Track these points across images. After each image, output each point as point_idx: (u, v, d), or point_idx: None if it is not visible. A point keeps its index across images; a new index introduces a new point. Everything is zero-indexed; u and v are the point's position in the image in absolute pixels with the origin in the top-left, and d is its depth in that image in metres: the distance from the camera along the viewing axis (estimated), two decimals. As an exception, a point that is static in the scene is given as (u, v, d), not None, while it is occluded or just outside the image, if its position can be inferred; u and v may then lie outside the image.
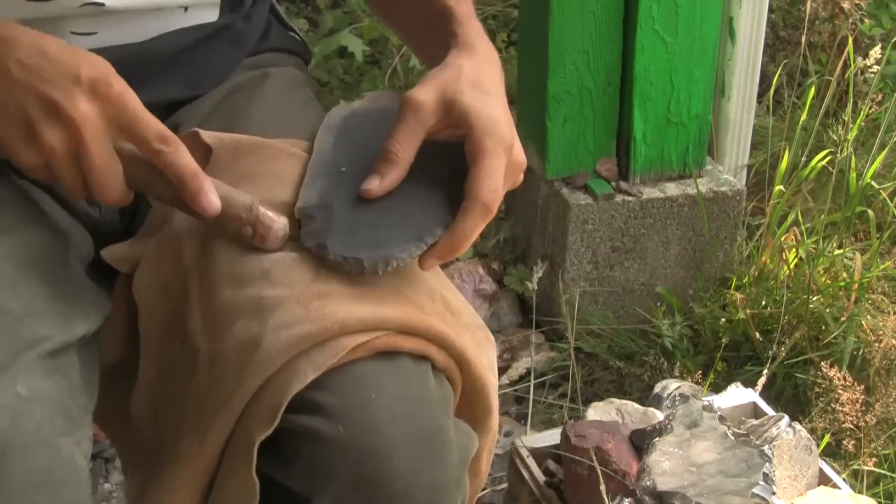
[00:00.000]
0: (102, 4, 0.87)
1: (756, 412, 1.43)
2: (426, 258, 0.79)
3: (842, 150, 1.98)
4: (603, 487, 1.20)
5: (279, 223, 0.79)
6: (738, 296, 1.79)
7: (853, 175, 1.92)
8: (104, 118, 0.74)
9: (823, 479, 1.33)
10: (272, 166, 0.87)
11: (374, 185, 0.80)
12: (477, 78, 0.83)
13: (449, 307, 0.83)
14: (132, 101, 0.75)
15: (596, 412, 1.37)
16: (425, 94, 0.81)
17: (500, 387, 1.78)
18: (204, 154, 0.86)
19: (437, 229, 0.79)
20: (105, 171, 0.75)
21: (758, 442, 1.25)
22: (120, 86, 0.74)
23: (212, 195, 0.77)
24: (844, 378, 1.48)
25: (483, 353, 0.83)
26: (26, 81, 0.72)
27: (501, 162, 0.80)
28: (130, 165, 0.77)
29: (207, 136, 0.86)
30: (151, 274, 0.83)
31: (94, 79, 0.73)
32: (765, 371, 1.56)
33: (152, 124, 0.75)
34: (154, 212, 0.88)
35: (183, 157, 0.76)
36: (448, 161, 0.83)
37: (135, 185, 0.78)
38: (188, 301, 0.80)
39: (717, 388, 1.59)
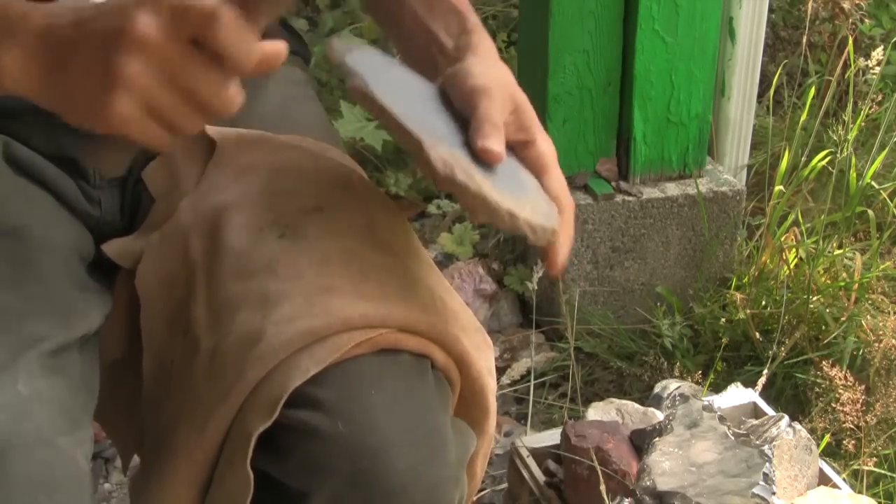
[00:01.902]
0: None
1: (756, 412, 1.43)
2: (558, 256, 0.79)
3: (842, 150, 1.98)
4: (603, 487, 1.20)
5: None
6: (738, 296, 1.79)
7: (853, 175, 1.92)
8: (165, 21, 0.64)
9: (823, 479, 1.33)
10: (276, 159, 0.87)
11: (499, 147, 0.76)
12: (516, 84, 0.84)
13: (448, 309, 0.83)
14: None
15: (596, 412, 1.37)
16: (500, 90, 0.80)
17: (500, 387, 1.78)
18: (208, 148, 0.86)
19: (552, 211, 0.79)
20: (202, 72, 0.65)
21: (758, 442, 1.25)
22: None
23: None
24: (844, 378, 1.48)
25: (482, 355, 0.83)
26: (80, 34, 0.65)
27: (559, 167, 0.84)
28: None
29: (211, 130, 0.87)
30: (155, 266, 0.83)
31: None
32: (765, 371, 1.56)
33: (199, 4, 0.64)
34: (156, 207, 0.88)
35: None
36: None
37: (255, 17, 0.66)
38: (193, 294, 0.80)
39: (717, 388, 1.59)
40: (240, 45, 0.65)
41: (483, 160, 0.75)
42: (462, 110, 0.79)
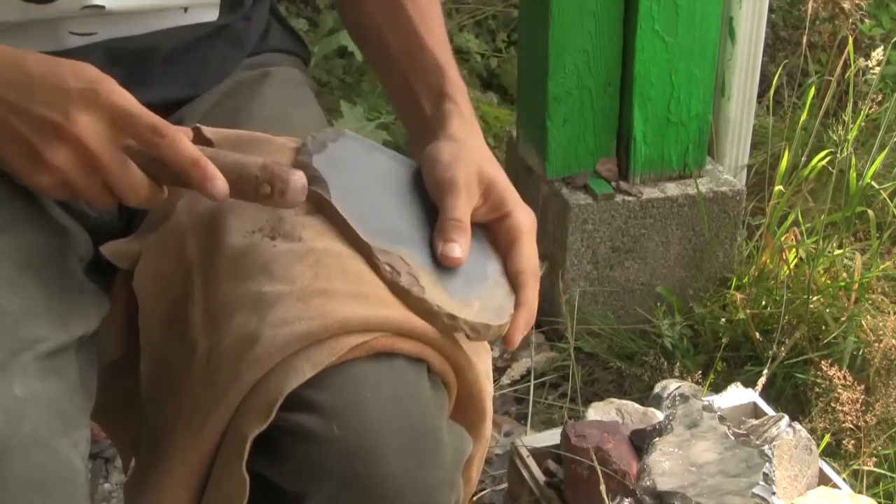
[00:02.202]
0: (103, 7, 0.87)
1: (756, 412, 1.43)
2: (514, 334, 0.81)
3: (842, 150, 1.98)
4: (603, 487, 1.20)
5: (296, 174, 0.77)
6: (738, 296, 1.79)
7: (853, 175, 1.92)
8: (103, 124, 0.74)
9: (823, 479, 1.33)
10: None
11: (458, 252, 0.81)
12: (490, 156, 0.88)
13: None
14: (121, 99, 0.74)
15: (596, 412, 1.37)
16: (470, 174, 0.84)
17: (500, 387, 1.78)
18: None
19: (508, 302, 0.82)
20: (122, 174, 0.75)
21: (758, 442, 1.25)
22: (107, 88, 0.74)
23: (217, 180, 0.75)
24: (844, 378, 1.48)
25: (479, 359, 0.83)
26: (19, 105, 0.73)
27: (534, 239, 0.86)
28: (142, 162, 0.77)
29: (209, 131, 0.86)
30: (153, 268, 0.83)
31: (81, 89, 0.73)
32: (765, 371, 1.56)
33: (145, 118, 0.75)
34: (154, 209, 0.88)
35: (180, 148, 0.75)
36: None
37: (157, 180, 0.78)
38: (191, 296, 0.80)
39: (717, 388, 1.59)
40: (179, 158, 0.75)
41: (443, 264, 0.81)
42: (433, 201, 0.85)
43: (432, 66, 0.92)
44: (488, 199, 0.84)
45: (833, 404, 1.48)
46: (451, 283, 0.81)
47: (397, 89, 0.97)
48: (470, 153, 0.85)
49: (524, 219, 0.85)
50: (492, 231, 0.86)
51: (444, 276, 0.81)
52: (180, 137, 0.76)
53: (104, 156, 0.74)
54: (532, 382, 1.75)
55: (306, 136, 0.88)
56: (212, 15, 0.96)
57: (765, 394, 1.49)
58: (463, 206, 0.82)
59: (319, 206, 0.82)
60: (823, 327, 1.71)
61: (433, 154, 0.86)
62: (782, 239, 1.85)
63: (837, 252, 1.84)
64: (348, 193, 0.83)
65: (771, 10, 2.26)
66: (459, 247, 0.81)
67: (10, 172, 0.76)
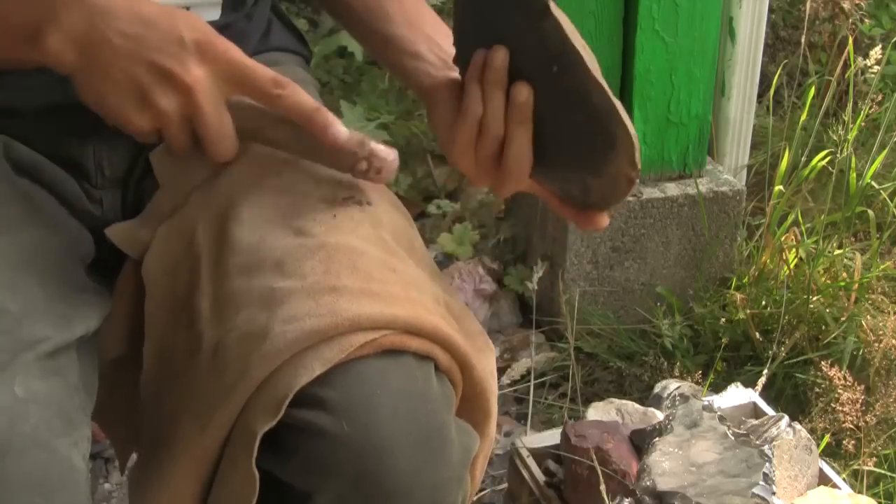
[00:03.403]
0: None
1: (756, 412, 1.43)
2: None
3: (842, 150, 1.98)
4: (603, 487, 1.20)
5: (393, 154, 0.81)
6: (738, 296, 1.79)
7: (853, 175, 1.92)
8: (215, 77, 0.76)
9: (823, 479, 1.33)
10: (286, 156, 0.87)
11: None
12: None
13: (451, 311, 0.83)
14: (238, 55, 0.77)
15: (596, 412, 1.37)
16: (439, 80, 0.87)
17: (500, 387, 1.78)
18: None
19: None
20: (220, 129, 0.78)
21: (758, 442, 1.25)
22: (223, 44, 0.77)
23: (339, 125, 0.79)
24: (844, 378, 1.48)
25: (483, 358, 0.83)
26: (133, 51, 0.74)
27: None
28: (240, 116, 0.79)
29: None
30: (162, 257, 0.83)
31: (198, 40, 0.75)
32: (765, 371, 1.56)
33: (265, 72, 0.78)
34: (161, 196, 0.87)
35: (302, 96, 0.78)
36: None
37: (245, 136, 0.81)
38: (198, 287, 0.80)
39: (717, 388, 1.59)
40: (302, 106, 0.78)
41: None
42: None
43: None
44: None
45: (833, 404, 1.48)
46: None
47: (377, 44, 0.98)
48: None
49: None
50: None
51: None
52: (300, 89, 0.78)
53: (209, 108, 0.76)
54: (532, 382, 1.75)
55: None
56: (214, 14, 0.96)
57: (765, 394, 1.49)
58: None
59: None
60: (823, 327, 1.71)
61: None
62: (782, 239, 1.85)
63: (837, 252, 1.84)
64: None
65: (771, 10, 2.26)
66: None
67: (107, 112, 0.77)
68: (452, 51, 0.88)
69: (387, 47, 0.94)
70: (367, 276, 0.77)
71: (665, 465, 1.22)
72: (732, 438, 1.24)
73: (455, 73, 0.87)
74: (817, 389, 1.57)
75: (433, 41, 0.92)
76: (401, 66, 0.93)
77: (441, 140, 0.87)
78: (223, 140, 0.80)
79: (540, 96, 0.81)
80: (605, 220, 0.83)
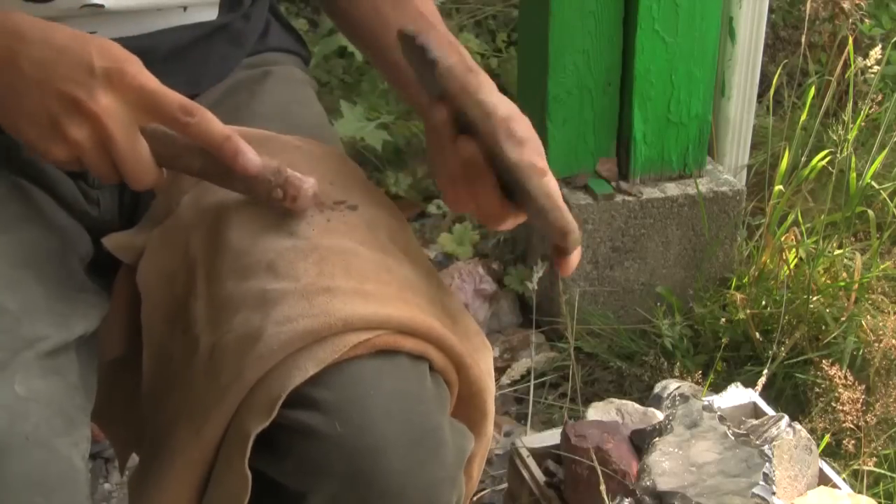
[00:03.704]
0: (102, 6, 0.87)
1: (756, 412, 1.43)
2: (569, 262, 0.80)
3: (842, 150, 1.98)
4: (603, 487, 1.20)
5: (308, 182, 0.80)
6: (738, 296, 1.79)
7: (853, 175, 1.92)
8: (125, 104, 0.75)
9: (823, 479, 1.33)
10: (278, 158, 0.87)
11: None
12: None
13: (447, 311, 0.83)
14: (149, 81, 0.76)
15: (596, 412, 1.37)
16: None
17: (500, 387, 1.78)
18: None
19: None
20: (133, 156, 0.76)
21: (758, 442, 1.25)
22: (134, 68, 0.75)
23: (249, 153, 0.77)
24: (844, 378, 1.48)
25: (480, 358, 0.83)
26: (42, 79, 0.73)
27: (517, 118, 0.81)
28: (155, 144, 0.78)
29: None
30: (157, 263, 0.83)
31: (107, 68, 0.74)
32: (765, 371, 1.56)
33: (174, 98, 0.76)
34: (157, 202, 0.88)
35: (212, 124, 0.77)
36: None
37: (163, 163, 0.79)
38: (194, 291, 0.80)
39: (717, 388, 1.59)
40: (210, 134, 0.77)
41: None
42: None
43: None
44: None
45: (833, 404, 1.48)
46: None
47: (387, 66, 0.96)
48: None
49: (497, 108, 0.78)
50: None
51: None
52: (210, 116, 0.77)
53: (120, 137, 0.75)
54: (532, 382, 1.75)
55: None
56: (211, 14, 0.96)
57: (765, 394, 1.49)
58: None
59: None
60: (823, 327, 1.71)
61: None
62: (782, 239, 1.85)
63: (837, 252, 1.84)
64: None
65: (771, 10, 2.26)
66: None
67: (25, 143, 0.76)
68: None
69: (394, 71, 0.94)
70: (360, 276, 0.77)
71: (665, 465, 1.22)
72: (732, 438, 1.24)
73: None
74: (817, 389, 1.56)
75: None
76: (401, 87, 0.93)
77: (438, 184, 0.86)
78: (139, 168, 0.77)
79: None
80: (572, 263, 0.80)
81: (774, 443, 1.27)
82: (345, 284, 0.76)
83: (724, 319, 1.80)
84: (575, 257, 0.79)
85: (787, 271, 1.80)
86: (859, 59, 2.08)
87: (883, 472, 1.45)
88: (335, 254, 0.78)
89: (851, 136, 1.97)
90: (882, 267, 1.80)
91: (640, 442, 1.28)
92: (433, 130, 0.81)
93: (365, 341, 0.74)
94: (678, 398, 1.33)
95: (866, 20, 2.50)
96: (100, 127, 0.74)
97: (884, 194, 1.95)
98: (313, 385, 0.73)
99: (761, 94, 2.18)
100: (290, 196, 0.79)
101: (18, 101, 0.74)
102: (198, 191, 0.85)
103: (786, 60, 2.30)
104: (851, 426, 1.45)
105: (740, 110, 2.06)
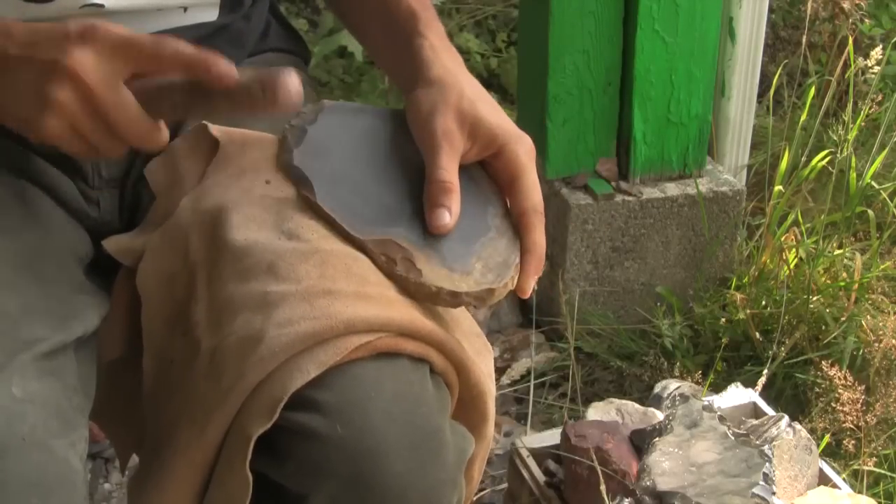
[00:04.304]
0: (102, 6, 0.87)
1: (756, 412, 1.43)
2: (525, 284, 0.81)
3: (842, 150, 1.98)
4: (603, 487, 1.20)
5: (290, 75, 0.75)
6: (738, 296, 1.79)
7: (853, 175, 1.92)
8: (101, 57, 0.74)
9: (823, 479, 1.33)
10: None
11: (447, 219, 0.80)
12: (478, 91, 0.85)
13: (448, 314, 0.83)
14: (119, 29, 0.75)
15: (596, 412, 1.37)
16: (449, 121, 0.82)
17: (500, 387, 1.78)
18: (211, 147, 0.87)
19: (512, 251, 0.82)
20: (119, 107, 0.75)
21: (758, 442, 1.25)
22: (105, 24, 0.75)
23: (223, 63, 0.75)
24: (844, 378, 1.48)
25: (481, 360, 0.83)
26: (25, 58, 0.74)
27: (535, 169, 0.84)
28: (142, 97, 0.77)
29: (215, 129, 0.87)
30: (156, 265, 0.83)
31: (80, 29, 0.74)
32: (765, 371, 1.56)
33: (144, 36, 0.76)
34: (157, 204, 0.88)
35: (182, 44, 0.76)
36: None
37: (150, 111, 0.78)
38: (194, 294, 0.80)
39: (717, 388, 1.59)
40: (184, 55, 0.75)
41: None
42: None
43: (405, 12, 0.91)
44: (477, 139, 0.83)
45: (833, 404, 1.48)
46: (449, 249, 0.80)
47: (377, 46, 0.96)
48: (446, 95, 0.83)
49: (521, 150, 0.83)
50: (490, 167, 0.85)
51: (441, 244, 0.80)
52: (180, 41, 0.76)
53: (100, 88, 0.74)
54: (532, 382, 1.75)
55: (284, 126, 0.87)
56: (211, 15, 0.96)
57: (765, 394, 1.49)
58: (446, 162, 0.81)
59: (309, 207, 0.82)
60: (823, 327, 1.71)
61: (412, 107, 0.84)
62: (782, 239, 1.85)
63: (837, 252, 1.84)
64: (334, 183, 0.83)
65: (771, 10, 2.26)
66: (448, 211, 0.80)
67: (21, 126, 0.76)
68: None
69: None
70: (361, 279, 0.77)
71: (665, 465, 1.22)
72: (732, 438, 1.24)
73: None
74: (817, 389, 1.57)
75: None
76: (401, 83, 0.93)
77: None
78: (128, 117, 0.76)
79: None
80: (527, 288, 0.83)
81: (774, 443, 1.27)
82: (346, 287, 0.76)
83: (724, 319, 1.80)
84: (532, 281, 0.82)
85: (787, 271, 1.80)
86: (859, 59, 2.08)
87: (883, 472, 1.45)
88: (336, 257, 0.78)
89: (851, 136, 1.97)
90: (882, 267, 1.80)
91: (640, 442, 1.28)
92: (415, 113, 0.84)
93: (366, 344, 0.74)
94: (678, 398, 1.33)
95: (866, 20, 2.50)
96: (79, 82, 0.73)
97: (884, 194, 1.95)
98: (314, 387, 0.73)
99: (761, 94, 2.18)
100: (270, 92, 0.75)
101: (9, 87, 0.74)
102: (197, 192, 0.85)
103: (786, 60, 2.30)
104: (851, 426, 1.45)
105: (740, 110, 2.06)
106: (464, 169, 0.83)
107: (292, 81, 0.75)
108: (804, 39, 2.29)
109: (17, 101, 0.75)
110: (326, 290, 0.76)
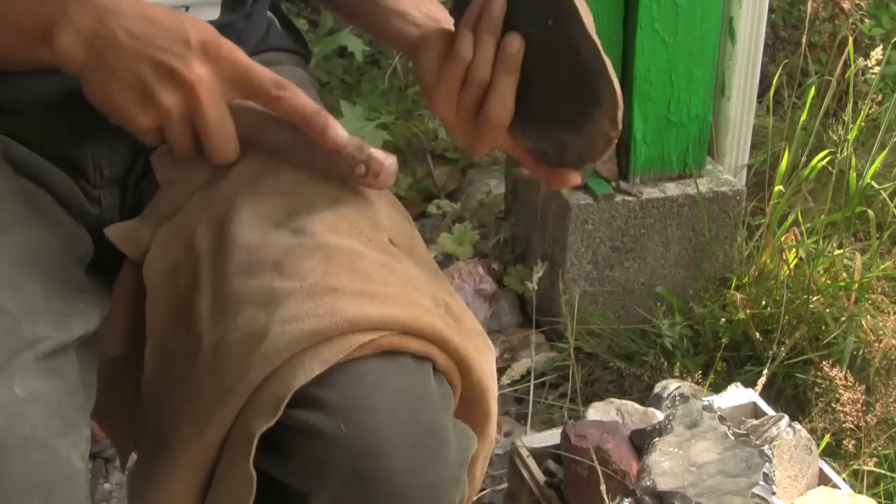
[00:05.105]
0: None
1: (756, 412, 1.43)
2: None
3: (842, 150, 1.98)
4: (603, 487, 1.20)
5: (391, 159, 0.81)
6: (738, 296, 1.79)
7: (853, 175, 1.92)
8: (218, 78, 0.78)
9: (823, 479, 1.33)
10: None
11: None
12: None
13: (451, 312, 0.83)
14: (242, 57, 0.79)
15: (596, 412, 1.37)
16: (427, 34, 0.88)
17: (500, 387, 1.78)
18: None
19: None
20: (221, 128, 0.79)
21: (758, 442, 1.25)
22: (227, 46, 0.78)
23: (338, 128, 0.80)
24: (844, 378, 1.48)
25: (483, 359, 0.83)
26: (139, 49, 0.76)
27: None
28: (240, 119, 0.80)
29: None
30: (163, 258, 0.83)
31: (203, 41, 0.77)
32: (765, 371, 1.56)
33: (267, 73, 0.80)
34: (163, 197, 0.87)
35: (302, 98, 0.80)
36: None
37: (245, 137, 0.82)
38: (199, 288, 0.80)
39: (717, 388, 1.59)
40: (302, 107, 0.80)
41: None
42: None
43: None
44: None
45: (833, 404, 1.48)
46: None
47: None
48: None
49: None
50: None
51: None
52: (300, 92, 0.80)
53: (210, 106, 0.78)
54: (532, 382, 1.75)
55: None
56: (213, 14, 0.96)
57: (765, 394, 1.49)
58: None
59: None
60: (823, 327, 1.71)
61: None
62: (782, 239, 1.85)
63: (837, 252, 1.84)
64: None
65: (771, 10, 2.26)
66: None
67: (111, 110, 0.79)
68: (439, 12, 0.90)
69: (372, 9, 0.96)
70: (366, 277, 0.78)
71: (665, 465, 1.22)
72: (732, 438, 1.24)
73: (443, 27, 0.89)
74: (817, 389, 1.57)
75: (420, 1, 0.94)
76: (386, 26, 0.95)
77: (425, 87, 0.88)
78: (224, 140, 0.81)
79: (530, 49, 0.82)
80: (576, 178, 0.85)
81: (774, 443, 1.27)
82: (350, 285, 0.76)
83: (724, 319, 1.80)
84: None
85: (787, 271, 1.80)
86: (859, 59, 2.08)
87: (883, 472, 1.45)
88: (341, 253, 0.79)
89: (851, 136, 1.97)
90: (882, 267, 1.80)
91: (640, 442, 1.28)
92: (441, 40, 0.86)
93: (370, 342, 0.74)
94: (678, 398, 1.33)
95: (866, 20, 2.50)
96: (192, 96, 0.77)
97: (884, 194, 1.95)
98: (318, 385, 0.73)
99: (761, 94, 2.18)
100: (372, 172, 0.81)
101: (113, 70, 0.76)
102: (206, 188, 0.86)
103: (786, 60, 2.30)
104: (851, 426, 1.45)
105: (740, 110, 2.06)
106: None
107: (393, 165, 0.81)
108: (804, 39, 2.29)
109: (120, 87, 0.77)
110: (331, 288, 0.76)
